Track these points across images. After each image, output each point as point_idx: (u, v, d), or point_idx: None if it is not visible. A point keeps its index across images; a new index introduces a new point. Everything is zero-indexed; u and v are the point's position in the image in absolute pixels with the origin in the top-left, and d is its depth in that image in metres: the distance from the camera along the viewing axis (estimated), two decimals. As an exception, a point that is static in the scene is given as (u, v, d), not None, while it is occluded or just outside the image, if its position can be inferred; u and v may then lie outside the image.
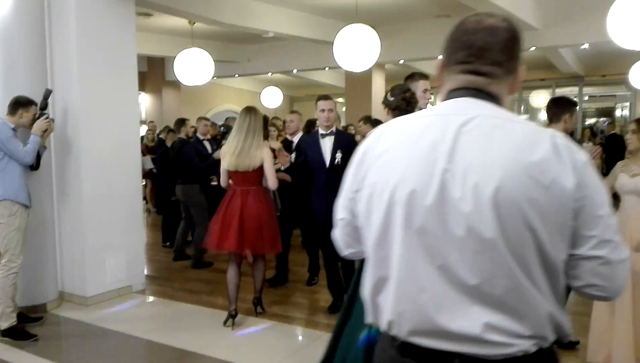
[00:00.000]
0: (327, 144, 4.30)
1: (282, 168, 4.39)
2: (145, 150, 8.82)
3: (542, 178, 1.04)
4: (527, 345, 1.08)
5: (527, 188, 1.03)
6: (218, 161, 4.40)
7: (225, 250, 4.07)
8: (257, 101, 12.64)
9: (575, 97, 12.78)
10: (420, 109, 2.94)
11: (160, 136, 8.74)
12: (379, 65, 9.73)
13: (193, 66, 7.84)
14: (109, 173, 4.78)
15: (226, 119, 8.03)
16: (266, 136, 4.69)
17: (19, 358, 3.61)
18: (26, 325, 3.98)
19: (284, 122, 6.08)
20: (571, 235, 1.08)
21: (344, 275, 4.27)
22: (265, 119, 4.81)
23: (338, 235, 1.37)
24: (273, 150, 4.39)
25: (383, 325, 1.21)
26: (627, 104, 14.54)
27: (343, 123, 10.13)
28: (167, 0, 6.33)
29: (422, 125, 1.18)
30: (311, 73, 12.91)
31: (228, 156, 4.00)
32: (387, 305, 1.18)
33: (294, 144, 5.09)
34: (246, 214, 3.97)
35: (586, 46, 8.77)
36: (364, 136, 4.41)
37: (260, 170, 3.99)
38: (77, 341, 4.03)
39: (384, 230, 1.16)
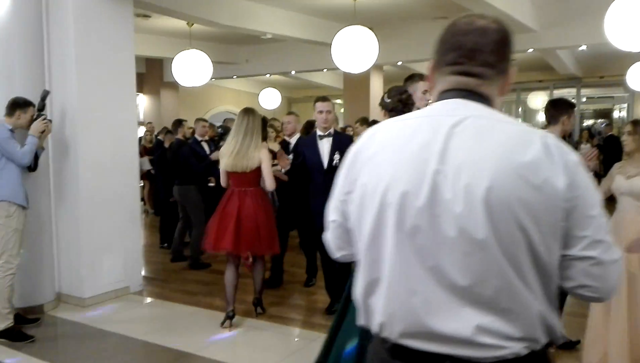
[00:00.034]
0: (325, 146, 4.31)
1: (283, 171, 4.39)
2: (143, 151, 8.80)
3: (534, 178, 1.04)
4: (518, 348, 1.07)
5: (519, 188, 1.03)
6: (216, 162, 4.40)
7: (222, 250, 4.07)
8: (255, 102, 12.64)
9: (573, 98, 12.79)
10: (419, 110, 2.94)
11: (158, 137, 8.73)
12: (377, 66, 9.73)
13: (191, 67, 7.83)
14: (107, 174, 4.77)
15: (224, 120, 8.04)
16: (265, 137, 4.69)
17: (15, 360, 3.61)
18: (23, 327, 3.98)
19: (282, 123, 6.09)
20: (563, 235, 1.08)
21: (341, 277, 4.26)
22: (264, 120, 4.82)
23: (329, 237, 1.36)
24: (273, 152, 4.39)
25: (374, 327, 1.20)
26: (625, 105, 14.55)
27: (341, 125, 10.15)
28: (166, 2, 6.33)
29: (413, 126, 1.18)
30: (309, 74, 12.91)
31: (226, 157, 4.01)
32: (378, 307, 1.18)
33: (292, 146, 5.09)
34: (243, 215, 3.98)
35: (584, 47, 8.79)
36: (361, 138, 4.40)
37: (258, 171, 4.00)
38: (74, 342, 4.02)
39: (375, 232, 1.16)
